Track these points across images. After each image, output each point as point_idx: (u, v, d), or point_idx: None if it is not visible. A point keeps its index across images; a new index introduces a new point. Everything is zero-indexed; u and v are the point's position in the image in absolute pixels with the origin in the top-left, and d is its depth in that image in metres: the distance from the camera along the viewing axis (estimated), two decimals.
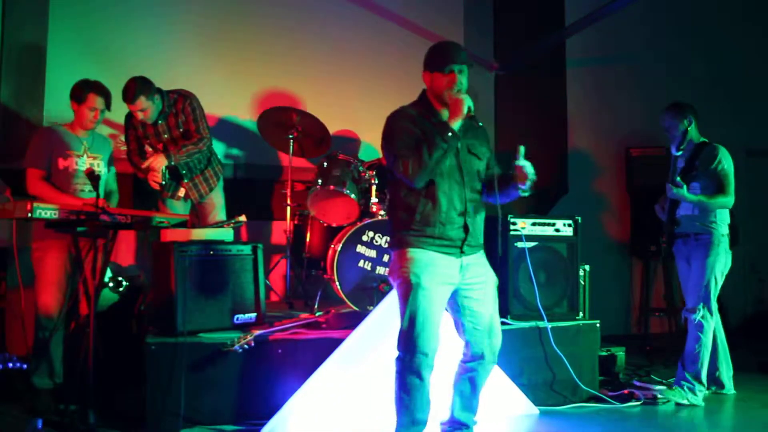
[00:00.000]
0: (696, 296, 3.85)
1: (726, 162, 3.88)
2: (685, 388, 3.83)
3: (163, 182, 4.12)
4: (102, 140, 3.84)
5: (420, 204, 2.76)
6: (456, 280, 2.79)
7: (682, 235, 3.97)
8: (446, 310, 2.87)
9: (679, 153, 3.94)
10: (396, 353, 2.78)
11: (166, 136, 4.17)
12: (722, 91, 6.36)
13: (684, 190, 3.80)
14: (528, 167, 2.76)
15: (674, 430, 3.53)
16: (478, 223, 2.87)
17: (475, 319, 2.83)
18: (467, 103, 2.71)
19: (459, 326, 2.89)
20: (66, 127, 3.69)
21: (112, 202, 3.80)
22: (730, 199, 3.86)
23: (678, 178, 3.83)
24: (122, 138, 4.41)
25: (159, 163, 4.04)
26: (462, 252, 2.78)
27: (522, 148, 2.80)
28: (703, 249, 3.85)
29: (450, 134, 2.70)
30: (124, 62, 4.86)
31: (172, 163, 4.09)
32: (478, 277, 2.84)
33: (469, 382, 2.91)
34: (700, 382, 3.81)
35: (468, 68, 2.82)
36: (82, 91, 3.61)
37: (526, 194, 2.85)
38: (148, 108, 4.00)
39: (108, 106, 3.70)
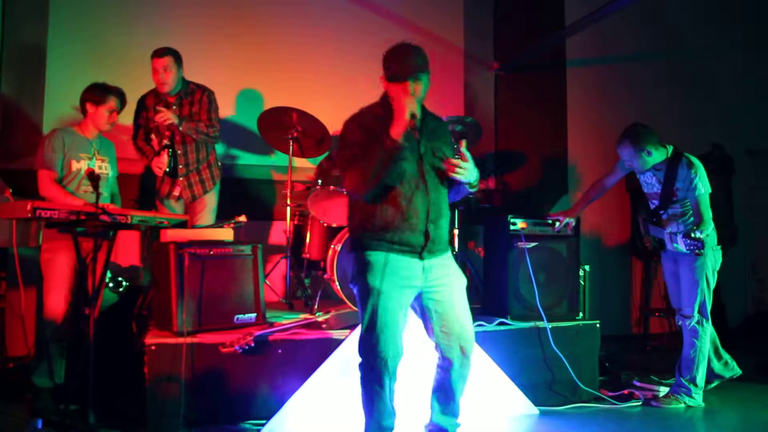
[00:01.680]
0: (690, 302, 3.78)
1: (702, 183, 3.70)
2: (681, 393, 3.82)
3: (168, 169, 4.11)
4: (108, 143, 3.87)
5: (379, 209, 2.69)
6: (419, 282, 2.73)
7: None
8: (414, 313, 2.85)
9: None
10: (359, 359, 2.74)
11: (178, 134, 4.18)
12: (723, 91, 6.36)
13: (681, 248, 3.57)
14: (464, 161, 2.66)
15: (674, 430, 3.52)
16: (442, 227, 2.77)
17: (441, 321, 2.76)
18: (410, 108, 2.59)
19: (428, 329, 2.83)
20: (76, 128, 3.72)
21: (116, 204, 3.82)
22: (709, 223, 3.69)
23: (681, 239, 3.53)
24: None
25: (167, 116, 4.06)
26: (422, 258, 2.72)
27: (465, 142, 2.74)
28: (691, 253, 3.77)
29: (389, 142, 2.57)
30: (124, 62, 4.87)
31: (180, 129, 4.12)
32: (443, 278, 2.76)
33: (444, 386, 2.86)
34: (696, 385, 3.80)
35: (425, 73, 2.69)
36: (101, 93, 3.67)
37: (473, 189, 2.80)
38: (171, 71, 4.11)
39: (121, 110, 3.77)
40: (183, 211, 4.36)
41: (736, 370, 4.11)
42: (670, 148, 3.85)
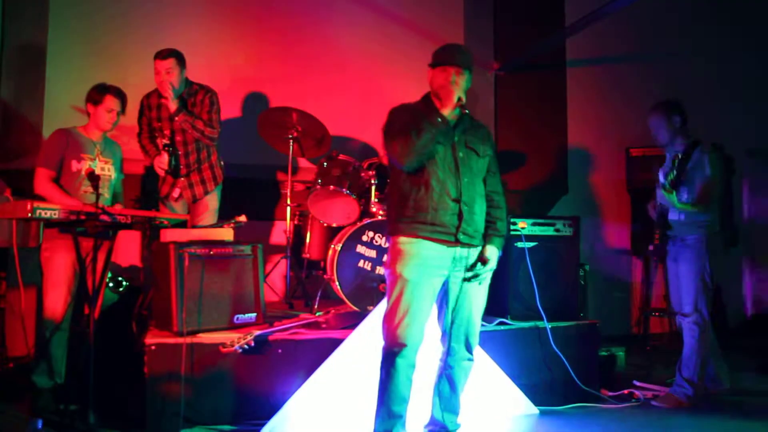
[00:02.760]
0: (689, 299, 3.80)
1: (712, 167, 3.76)
2: (680, 393, 3.82)
3: (168, 168, 4.11)
4: (113, 144, 3.86)
5: (413, 190, 2.80)
6: (447, 271, 2.81)
7: (672, 237, 3.94)
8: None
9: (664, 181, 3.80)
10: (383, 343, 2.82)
11: (180, 134, 4.19)
12: (723, 91, 6.35)
13: (673, 196, 3.68)
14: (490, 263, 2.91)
15: (674, 429, 3.52)
16: (477, 213, 2.87)
17: (456, 313, 2.85)
18: (457, 92, 2.78)
19: (440, 316, 2.92)
20: (80, 129, 3.72)
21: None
22: (708, 207, 3.77)
23: (668, 183, 3.69)
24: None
25: (169, 103, 4.06)
26: (457, 240, 2.79)
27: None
28: (690, 251, 3.80)
29: (439, 119, 2.77)
30: (124, 62, 4.87)
31: (176, 118, 4.11)
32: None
33: (447, 380, 2.94)
34: (694, 385, 3.79)
35: (468, 72, 2.87)
36: (99, 93, 3.67)
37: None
38: (174, 72, 4.08)
39: (124, 109, 3.75)
40: (185, 212, 4.36)
41: (724, 385, 4.10)
42: (692, 138, 3.93)
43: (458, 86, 2.82)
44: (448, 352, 2.90)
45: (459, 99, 2.79)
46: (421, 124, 2.74)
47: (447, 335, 2.90)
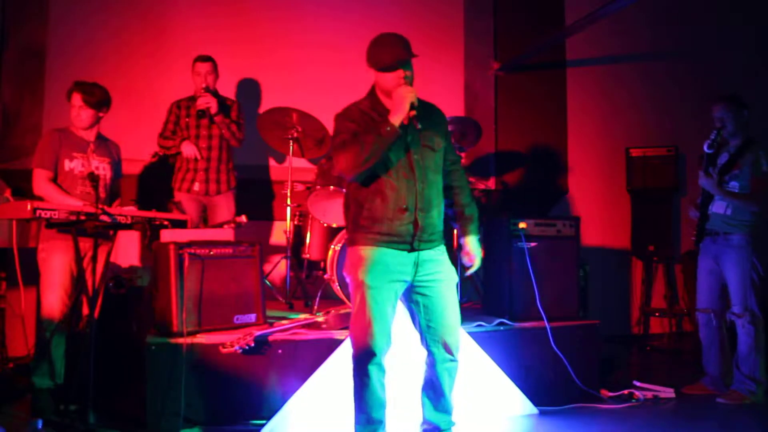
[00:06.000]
0: (741, 301, 3.83)
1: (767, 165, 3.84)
2: (743, 389, 3.85)
3: (210, 107, 4.35)
4: (109, 143, 3.84)
5: (369, 202, 2.74)
6: (409, 276, 2.76)
7: (712, 233, 3.95)
8: (403, 305, 2.88)
9: (711, 151, 3.93)
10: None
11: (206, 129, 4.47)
12: (723, 91, 6.33)
13: (714, 181, 3.81)
14: (475, 256, 2.94)
15: (674, 429, 3.53)
16: (434, 217, 2.79)
17: (429, 316, 2.80)
18: (410, 98, 2.66)
19: (415, 323, 2.88)
20: (73, 129, 3.70)
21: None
22: (753, 203, 3.82)
23: (710, 169, 3.84)
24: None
25: (209, 100, 4.35)
26: (413, 248, 2.75)
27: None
28: (735, 251, 3.84)
29: (388, 128, 2.63)
30: (123, 62, 4.87)
31: (215, 117, 4.40)
32: (433, 273, 2.79)
33: (432, 382, 2.88)
34: (757, 381, 3.83)
35: (410, 61, 2.75)
36: (69, 90, 3.64)
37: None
38: (212, 75, 4.46)
39: (99, 107, 3.64)
40: (194, 210, 4.45)
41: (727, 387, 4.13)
42: (748, 136, 4.02)
43: (410, 91, 2.67)
44: (429, 356, 2.85)
45: (412, 106, 2.66)
46: (366, 136, 2.64)
47: (424, 339, 2.84)
